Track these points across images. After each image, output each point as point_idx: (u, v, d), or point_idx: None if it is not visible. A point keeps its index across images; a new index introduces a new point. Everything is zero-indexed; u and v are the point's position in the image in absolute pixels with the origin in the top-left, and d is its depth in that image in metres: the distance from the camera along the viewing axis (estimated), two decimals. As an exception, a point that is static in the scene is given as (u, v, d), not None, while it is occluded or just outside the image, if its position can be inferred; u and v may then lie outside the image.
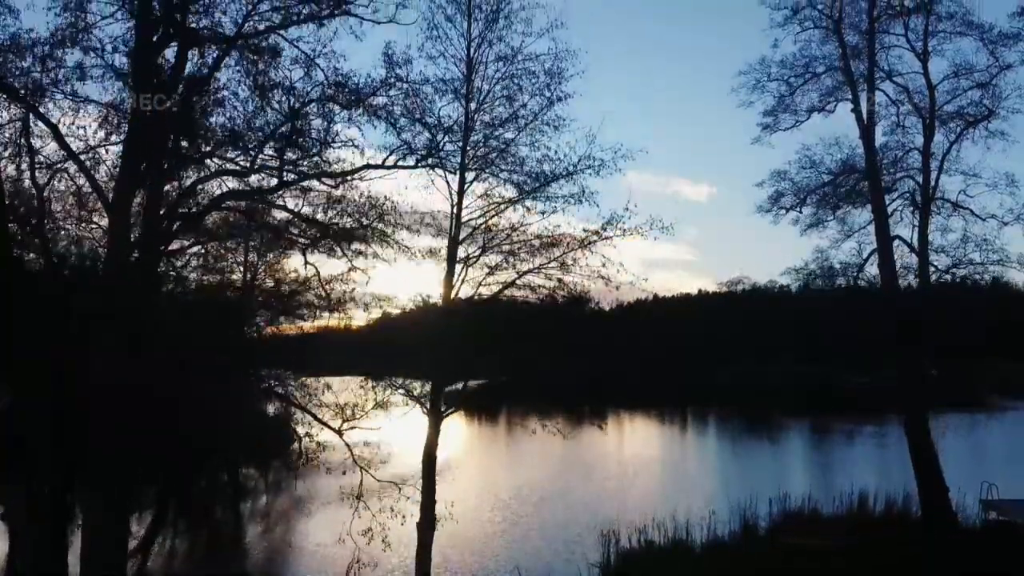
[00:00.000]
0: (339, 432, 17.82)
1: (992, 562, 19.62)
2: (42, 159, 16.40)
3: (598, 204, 18.22)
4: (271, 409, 26.92)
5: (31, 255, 17.60)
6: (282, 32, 15.85)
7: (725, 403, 68.18)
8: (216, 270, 23.31)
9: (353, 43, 17.69)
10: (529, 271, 18.47)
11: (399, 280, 28.74)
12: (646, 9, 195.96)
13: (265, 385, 19.82)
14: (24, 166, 16.08)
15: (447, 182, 18.46)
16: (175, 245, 18.26)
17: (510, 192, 18.76)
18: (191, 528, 27.73)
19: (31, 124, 15.74)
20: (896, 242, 25.26)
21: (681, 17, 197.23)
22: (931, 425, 25.26)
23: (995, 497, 25.53)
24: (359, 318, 23.24)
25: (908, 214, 25.64)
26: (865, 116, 25.20)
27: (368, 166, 17.20)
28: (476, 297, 18.85)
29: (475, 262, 18.69)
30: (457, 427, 46.51)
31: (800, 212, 26.65)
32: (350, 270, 18.69)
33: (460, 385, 20.16)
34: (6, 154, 15.97)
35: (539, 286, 18.53)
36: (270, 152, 16.27)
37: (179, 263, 20.19)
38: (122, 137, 15.68)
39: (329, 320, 22.81)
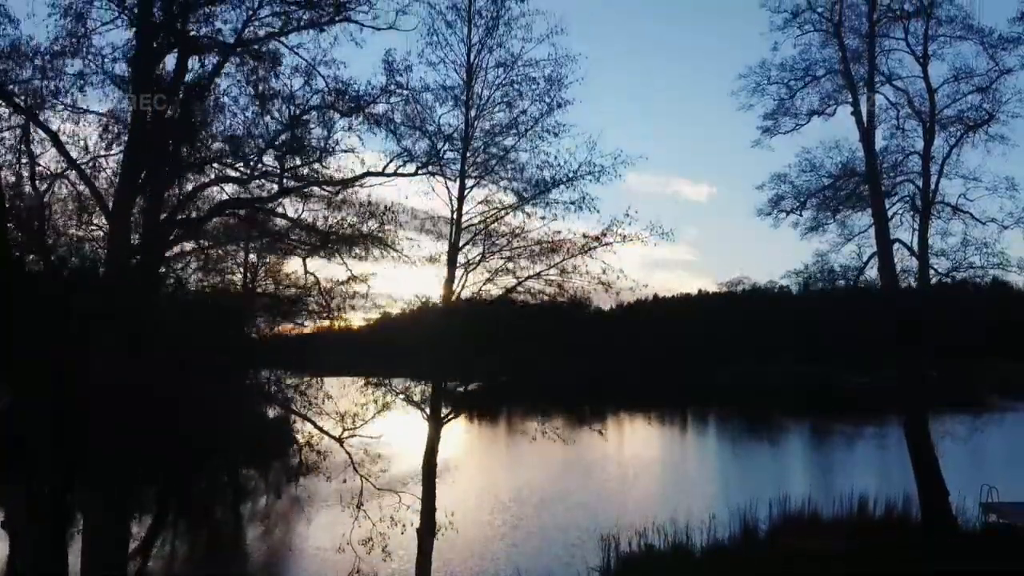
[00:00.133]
0: (340, 440, 17.80)
1: (992, 565, 19.63)
2: (42, 166, 16.45)
3: (599, 210, 18.21)
4: (271, 411, 26.88)
5: (31, 256, 17.60)
6: (282, 39, 15.88)
7: (725, 403, 68.20)
8: (216, 271, 23.29)
9: (353, 50, 17.70)
10: (529, 277, 18.47)
11: (400, 280, 28.79)
12: (646, 9, 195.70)
13: (266, 391, 19.76)
14: (24, 172, 16.09)
15: (447, 188, 18.48)
16: (175, 249, 18.24)
17: (510, 198, 18.78)
18: (191, 529, 27.73)
19: (31, 131, 15.76)
20: (896, 246, 25.28)
21: (681, 18, 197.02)
22: (931, 427, 25.26)
23: (995, 500, 25.55)
24: (359, 319, 23.24)
25: (908, 218, 25.67)
26: (865, 120, 25.21)
27: (368, 173, 17.22)
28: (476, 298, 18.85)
29: (475, 267, 18.68)
30: (457, 428, 46.34)
31: (800, 215, 26.66)
32: (350, 279, 18.65)
33: (461, 388, 20.13)
34: (7, 159, 16.00)
35: (539, 292, 18.55)
36: (270, 160, 16.29)
37: (179, 265, 20.18)
38: (122, 146, 15.69)
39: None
